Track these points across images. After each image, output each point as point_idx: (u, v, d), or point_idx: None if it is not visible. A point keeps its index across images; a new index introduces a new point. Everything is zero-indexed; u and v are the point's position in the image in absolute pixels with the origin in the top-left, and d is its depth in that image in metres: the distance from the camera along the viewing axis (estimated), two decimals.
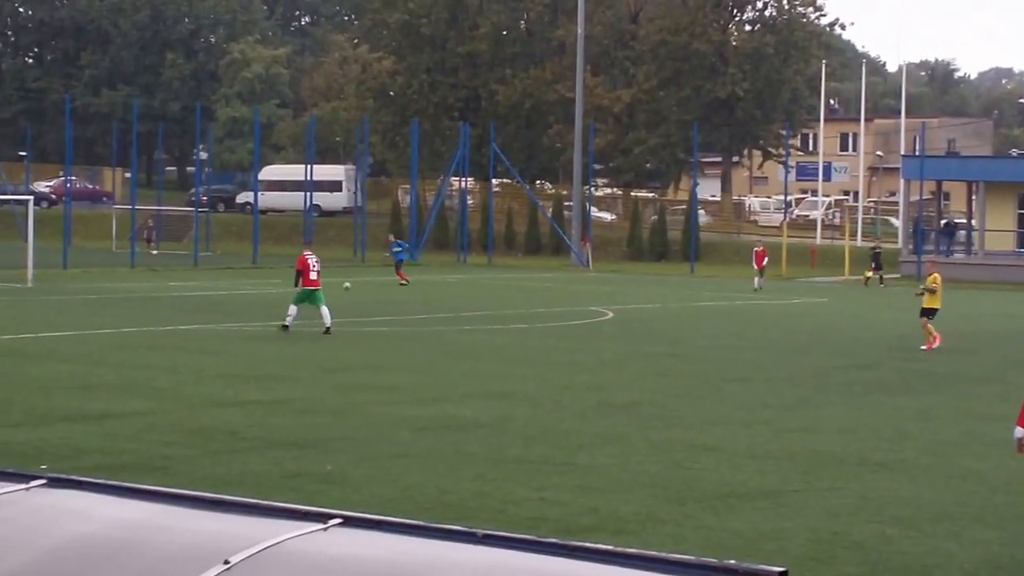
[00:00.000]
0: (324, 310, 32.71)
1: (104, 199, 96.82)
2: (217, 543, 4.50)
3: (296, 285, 33.80)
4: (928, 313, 32.35)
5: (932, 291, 32.54)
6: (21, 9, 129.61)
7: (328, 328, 32.34)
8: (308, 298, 33.14)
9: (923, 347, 31.70)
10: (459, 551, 4.43)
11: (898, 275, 66.77)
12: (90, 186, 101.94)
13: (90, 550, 4.62)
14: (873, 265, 61.20)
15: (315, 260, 33.68)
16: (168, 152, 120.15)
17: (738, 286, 57.39)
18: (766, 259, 57.11)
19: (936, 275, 33.42)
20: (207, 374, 24.67)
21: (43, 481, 5.15)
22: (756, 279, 56.01)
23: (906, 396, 23.96)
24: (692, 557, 4.32)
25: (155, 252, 72.02)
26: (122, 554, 4.57)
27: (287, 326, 32.58)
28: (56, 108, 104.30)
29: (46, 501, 4.98)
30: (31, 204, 54.07)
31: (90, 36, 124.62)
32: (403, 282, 52.83)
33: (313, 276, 33.27)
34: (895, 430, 20.03)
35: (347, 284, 33.91)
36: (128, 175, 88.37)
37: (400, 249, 55.76)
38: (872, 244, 67.25)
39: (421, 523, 4.68)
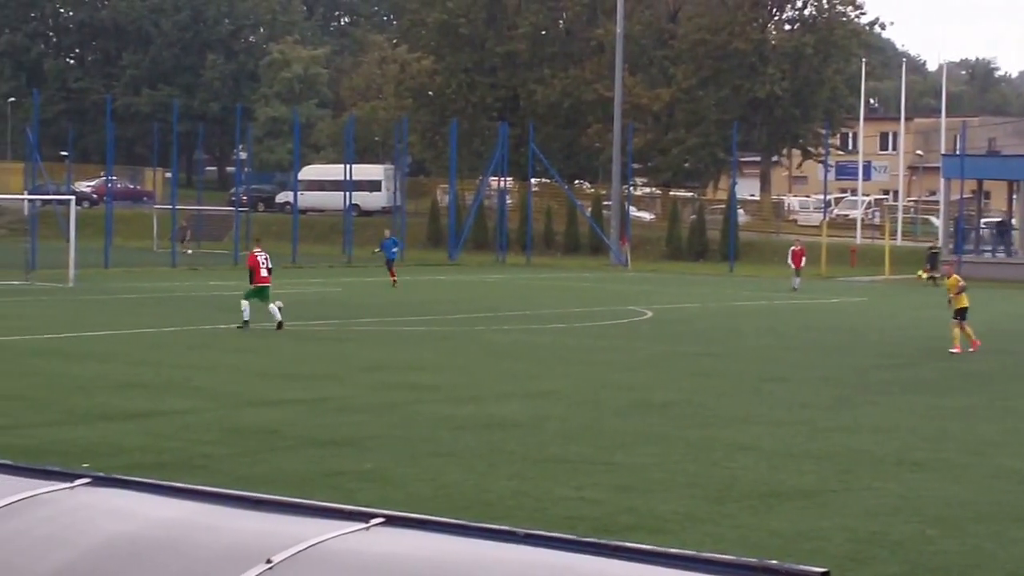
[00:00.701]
0: (272, 308, 32.75)
1: (145, 199, 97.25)
2: (260, 542, 4.53)
3: (251, 283, 33.90)
4: (960, 314, 31.32)
5: (957, 292, 31.55)
6: (62, 10, 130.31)
7: (280, 323, 32.47)
8: (258, 295, 33.21)
9: (952, 350, 30.73)
10: (500, 550, 4.45)
11: (938, 274, 66.39)
12: (131, 186, 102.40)
13: (133, 549, 4.66)
14: (928, 265, 60.88)
15: (264, 257, 33.71)
16: (208, 152, 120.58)
17: (777, 285, 57.20)
18: (804, 258, 56.42)
19: (955, 276, 32.57)
20: (246, 373, 24.78)
21: (87, 480, 5.19)
22: (794, 279, 55.13)
23: (945, 395, 23.86)
24: (732, 557, 4.34)
25: (190, 252, 72.33)
26: (165, 553, 4.61)
27: (246, 322, 32.60)
28: (97, 108, 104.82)
29: (90, 500, 5.03)
30: (73, 204, 54.35)
31: (131, 37, 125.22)
32: (393, 281, 50.74)
33: (264, 273, 33.39)
34: (934, 429, 19.96)
35: (279, 303, 33.52)
36: (168, 175, 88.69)
37: (396, 248, 53.60)
38: (929, 244, 66.98)
39: (462, 522, 4.70)
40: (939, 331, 34.57)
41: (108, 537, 4.73)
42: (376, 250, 53.22)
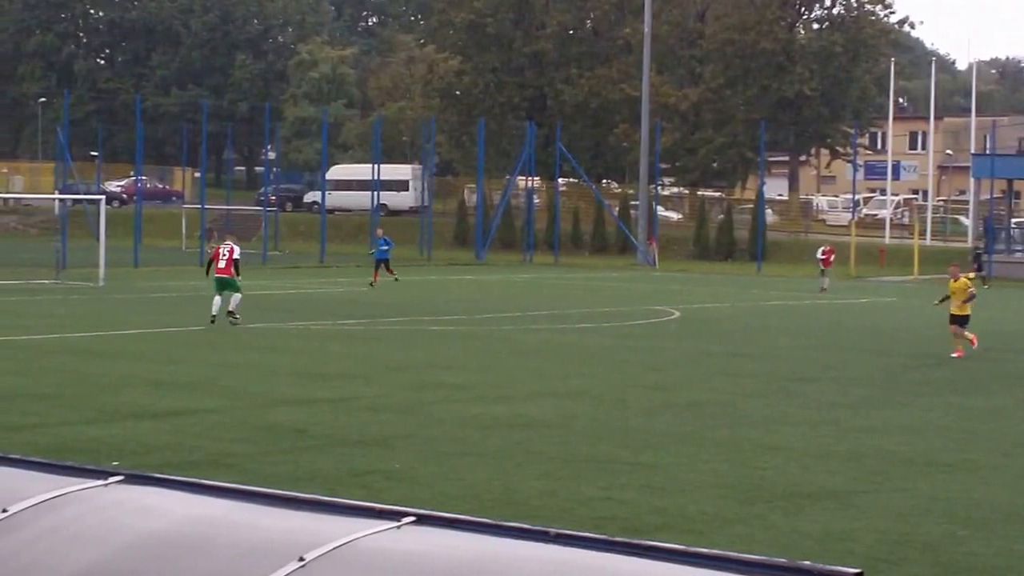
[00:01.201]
0: (235, 296, 32.98)
1: (174, 198, 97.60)
2: (292, 540, 4.54)
3: (207, 274, 34.10)
4: (959, 321, 29.80)
5: (968, 299, 29.73)
6: (92, 11, 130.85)
7: (230, 314, 32.79)
8: (224, 287, 33.20)
9: (954, 354, 29.31)
10: (531, 549, 4.45)
11: (984, 273, 66.29)
12: (160, 185, 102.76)
13: (166, 546, 4.68)
14: (975, 266, 60.00)
15: (228, 249, 33.62)
16: (237, 152, 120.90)
17: (805, 285, 57.06)
18: (833, 257, 55.56)
19: (964, 279, 30.47)
20: (275, 372, 24.83)
21: (120, 477, 5.21)
22: (823, 279, 54.34)
23: (976, 396, 23.77)
24: (763, 557, 4.33)
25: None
26: (198, 550, 4.63)
27: (213, 316, 32.79)
28: (127, 108, 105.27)
29: (123, 497, 5.04)
30: (103, 203, 54.57)
31: (160, 37, 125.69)
32: (374, 281, 49.62)
33: (222, 264, 33.36)
34: (964, 430, 19.89)
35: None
36: (197, 174, 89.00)
37: (387, 247, 51.50)
38: (973, 245, 66.58)
39: (493, 521, 4.70)
40: (970, 331, 34.35)
41: (141, 535, 4.75)
42: (371, 251, 51.83)
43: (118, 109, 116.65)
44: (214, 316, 32.77)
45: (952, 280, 30.40)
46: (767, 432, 19.17)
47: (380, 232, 53.67)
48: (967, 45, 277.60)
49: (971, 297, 29.95)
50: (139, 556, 4.64)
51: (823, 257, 54.99)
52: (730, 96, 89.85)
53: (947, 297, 30.61)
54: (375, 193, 76.27)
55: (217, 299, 33.08)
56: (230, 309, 32.76)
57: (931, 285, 60.01)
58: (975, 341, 29.65)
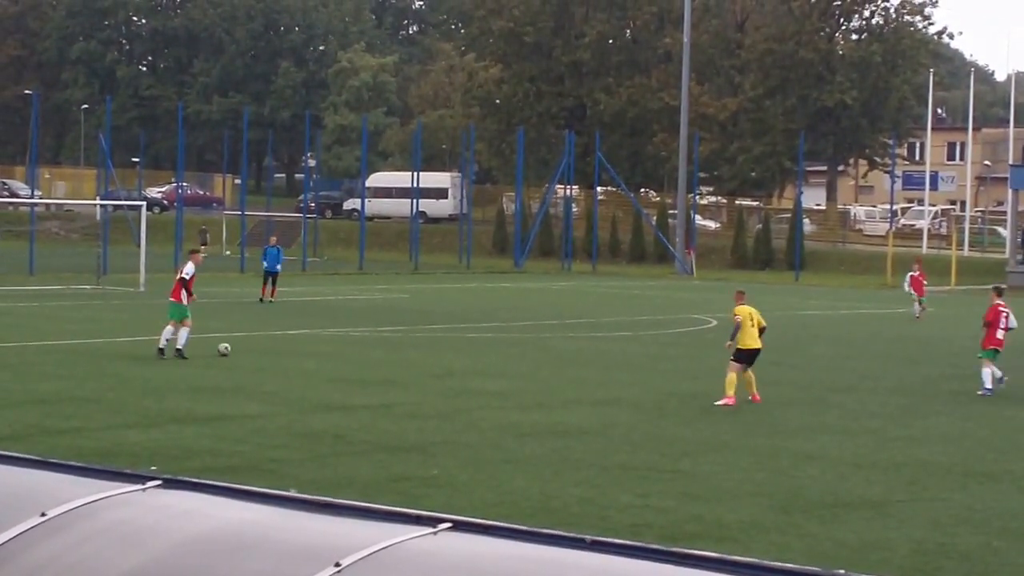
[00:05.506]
0: (184, 331, 27.77)
1: (214, 205, 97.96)
2: (328, 545, 4.58)
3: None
4: (745, 356, 23.27)
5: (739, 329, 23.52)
6: (135, 18, 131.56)
7: (161, 350, 27.53)
8: (178, 314, 28.19)
9: (718, 402, 22.67)
10: (567, 556, 4.48)
11: (1004, 286, 65.90)
12: (201, 192, 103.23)
13: (203, 551, 4.71)
14: None
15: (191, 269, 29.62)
16: (277, 159, 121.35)
17: (843, 295, 56.86)
18: (926, 281, 47.28)
19: (743, 307, 23.86)
20: (315, 378, 24.92)
21: (159, 482, 5.25)
22: (917, 307, 45.80)
23: (1014, 407, 23.68)
24: (800, 566, 4.36)
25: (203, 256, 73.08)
26: (234, 555, 4.66)
27: (164, 348, 27.60)
28: (169, 115, 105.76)
29: (161, 502, 5.08)
30: (143, 210, 54.82)
31: (203, 45, 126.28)
32: (270, 299, 43.83)
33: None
34: (1002, 440, 19.83)
35: (225, 345, 27.90)
36: (238, 181, 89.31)
37: (276, 256, 45.23)
38: None
39: (529, 528, 4.74)
40: (1008, 342, 34.13)
41: (179, 539, 4.79)
42: (265, 263, 45.31)
43: (160, 116, 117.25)
44: (165, 347, 27.56)
45: (735, 302, 24.35)
46: (804, 441, 19.17)
47: (273, 240, 48.48)
48: (1006, 56, 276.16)
49: (763, 329, 23.98)
50: (176, 561, 4.67)
51: (911, 283, 46.57)
52: (769, 106, 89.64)
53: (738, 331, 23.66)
54: (414, 200, 76.42)
55: (168, 328, 27.90)
56: (178, 346, 27.49)
57: (969, 296, 59.75)
58: (757, 398, 23.16)
